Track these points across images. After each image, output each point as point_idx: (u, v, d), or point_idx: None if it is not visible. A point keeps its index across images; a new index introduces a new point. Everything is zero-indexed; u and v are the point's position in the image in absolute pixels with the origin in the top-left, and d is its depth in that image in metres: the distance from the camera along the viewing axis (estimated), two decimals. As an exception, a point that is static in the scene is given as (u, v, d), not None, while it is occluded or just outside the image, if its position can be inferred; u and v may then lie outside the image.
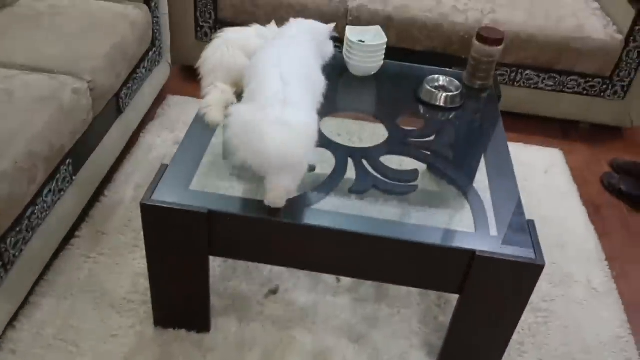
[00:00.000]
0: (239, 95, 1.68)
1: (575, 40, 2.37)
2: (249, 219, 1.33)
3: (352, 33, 1.85)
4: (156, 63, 2.32)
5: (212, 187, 1.44)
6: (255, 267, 1.75)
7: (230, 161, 1.49)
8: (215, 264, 1.75)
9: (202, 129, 1.57)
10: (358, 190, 1.45)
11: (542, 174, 2.29)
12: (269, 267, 1.75)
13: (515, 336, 1.56)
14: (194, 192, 1.37)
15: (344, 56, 1.86)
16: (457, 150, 1.67)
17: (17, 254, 1.48)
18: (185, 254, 1.40)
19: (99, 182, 1.92)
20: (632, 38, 2.35)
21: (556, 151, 2.44)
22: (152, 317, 1.57)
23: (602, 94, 2.49)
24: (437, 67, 1.95)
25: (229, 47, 1.69)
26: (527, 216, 1.41)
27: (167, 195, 1.34)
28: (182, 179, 1.40)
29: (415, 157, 1.59)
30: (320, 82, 1.53)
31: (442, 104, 1.78)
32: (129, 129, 2.12)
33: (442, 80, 1.84)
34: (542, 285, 1.80)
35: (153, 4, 2.21)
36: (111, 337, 1.54)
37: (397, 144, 1.63)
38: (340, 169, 1.51)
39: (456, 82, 1.82)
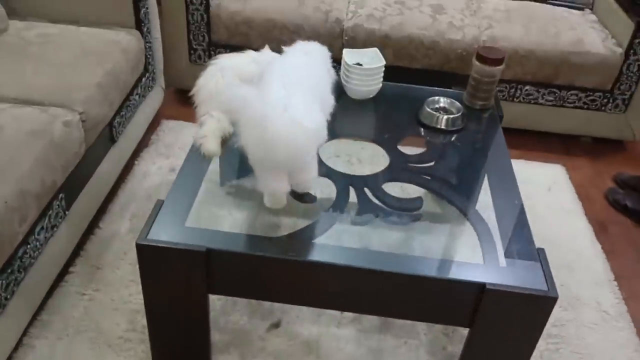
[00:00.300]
0: (236, 124, 1.64)
1: (574, 54, 2.34)
2: (249, 256, 1.28)
3: (349, 56, 1.81)
4: (149, 88, 2.28)
5: (209, 222, 1.39)
6: (257, 300, 1.70)
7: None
8: (215, 297, 1.69)
9: (198, 160, 1.52)
10: (361, 221, 1.40)
11: (546, 192, 2.25)
12: (270, 299, 1.70)
13: (526, 366, 1.52)
14: (191, 230, 1.32)
15: (342, 79, 1.81)
16: (461, 175, 1.63)
17: (9, 296, 1.43)
18: (184, 293, 1.35)
19: (93, 214, 1.87)
20: (632, 51, 2.32)
21: (558, 167, 2.40)
22: (151, 357, 1.51)
23: (603, 108, 2.46)
24: (436, 88, 1.91)
25: (224, 74, 1.64)
26: (533, 237, 1.36)
27: (164, 234, 1.29)
28: (178, 215, 1.35)
29: (418, 183, 1.54)
30: (329, 100, 1.50)
31: (443, 127, 1.73)
32: (123, 158, 2.07)
33: (442, 101, 1.80)
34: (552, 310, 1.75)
35: (145, 29, 2.17)
36: (108, 379, 1.48)
37: (399, 170, 1.58)
38: (341, 198, 1.46)
39: (457, 103, 1.78)
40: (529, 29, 2.40)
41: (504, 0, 2.66)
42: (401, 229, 1.43)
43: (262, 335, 1.61)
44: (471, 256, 1.36)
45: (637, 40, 2.30)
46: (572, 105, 2.46)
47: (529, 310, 1.27)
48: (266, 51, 1.78)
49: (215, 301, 1.68)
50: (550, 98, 2.45)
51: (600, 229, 2.12)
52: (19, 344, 1.53)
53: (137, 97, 2.13)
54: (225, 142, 1.59)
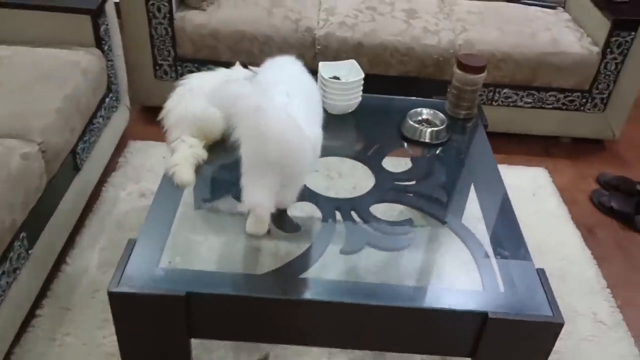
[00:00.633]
0: (209, 149, 1.53)
1: (551, 55, 2.29)
2: (232, 297, 1.18)
3: (325, 69, 1.72)
4: (114, 109, 2.15)
5: (187, 259, 1.29)
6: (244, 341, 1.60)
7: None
8: (196, 333, 1.58)
9: (170, 191, 1.41)
10: (351, 250, 1.32)
11: (531, 197, 2.20)
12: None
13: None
14: (168, 272, 1.22)
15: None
16: (450, 192, 1.55)
17: (-32, 352, 1.30)
18: (163, 339, 1.24)
19: (59, 250, 1.74)
20: (609, 50, 2.29)
21: (541, 170, 2.35)
22: (130, 405, 1.40)
23: (582, 108, 2.42)
24: (418, 98, 1.84)
25: (194, 95, 1.54)
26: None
27: (138, 278, 1.18)
28: (153, 254, 1.25)
29: (407, 204, 1.46)
30: (321, 114, 1.41)
31: (427, 140, 1.66)
32: (89, 186, 1.94)
33: (425, 113, 1.72)
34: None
35: (106, 46, 2.04)
36: None
37: (385, 189, 1.50)
38: (328, 226, 1.37)
39: (440, 114, 1.71)
40: (505, 31, 2.35)
41: (475, 1, 2.60)
42: (392, 255, 1.35)
43: (249, 372, 1.52)
44: (469, 280, 1.28)
45: (613, 39, 2.26)
46: (551, 106, 2.41)
47: (534, 337, 1.20)
48: (237, 68, 1.68)
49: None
50: (529, 100, 2.40)
51: (588, 234, 2.08)
52: (-17, 401, 1.40)
53: (100, 119, 2.00)
54: (200, 168, 1.48)
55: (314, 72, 1.50)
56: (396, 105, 1.81)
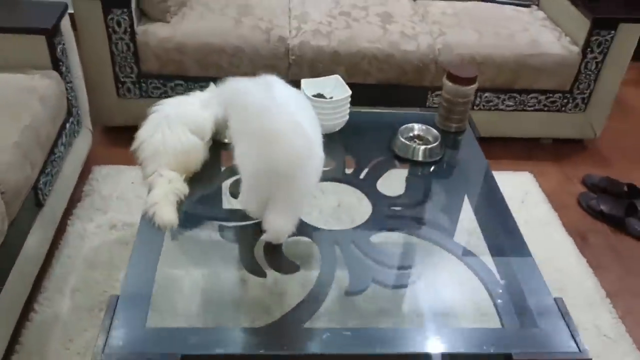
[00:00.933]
0: (190, 182, 1.40)
1: (532, 57, 2.23)
2: (230, 357, 1.06)
3: (308, 87, 1.60)
4: (75, 134, 1.99)
5: (176, 314, 1.16)
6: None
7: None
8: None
9: (151, 233, 1.28)
10: (356, 290, 1.21)
11: (520, 205, 2.14)
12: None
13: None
14: (157, 332, 1.09)
15: (303, 113, 1.60)
16: (451, 215, 1.46)
17: None
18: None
19: (26, 297, 1.58)
20: (589, 49, 2.24)
21: (527, 175, 2.30)
22: None
23: (563, 109, 2.37)
24: (405, 111, 1.75)
25: (171, 124, 1.40)
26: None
27: (125, 342, 1.05)
28: (139, 311, 1.11)
29: (409, 232, 1.37)
30: (320, 135, 1.30)
31: (421, 159, 1.56)
32: (54, 222, 1.78)
33: (416, 129, 1.63)
34: None
35: (64, 67, 1.88)
36: None
37: (383, 217, 1.40)
38: (328, 263, 1.26)
39: (433, 130, 1.61)
40: (482, 33, 2.27)
41: (448, 2, 2.52)
42: (400, 292, 1.25)
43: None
44: (484, 315, 1.19)
45: (594, 38, 2.22)
46: (532, 108, 2.36)
47: (560, 375, 1.12)
48: (212, 89, 1.55)
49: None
50: (511, 103, 2.34)
51: (581, 240, 2.03)
52: None
53: (62, 147, 1.84)
54: (182, 205, 1.35)
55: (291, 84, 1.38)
56: (384, 119, 1.71)
